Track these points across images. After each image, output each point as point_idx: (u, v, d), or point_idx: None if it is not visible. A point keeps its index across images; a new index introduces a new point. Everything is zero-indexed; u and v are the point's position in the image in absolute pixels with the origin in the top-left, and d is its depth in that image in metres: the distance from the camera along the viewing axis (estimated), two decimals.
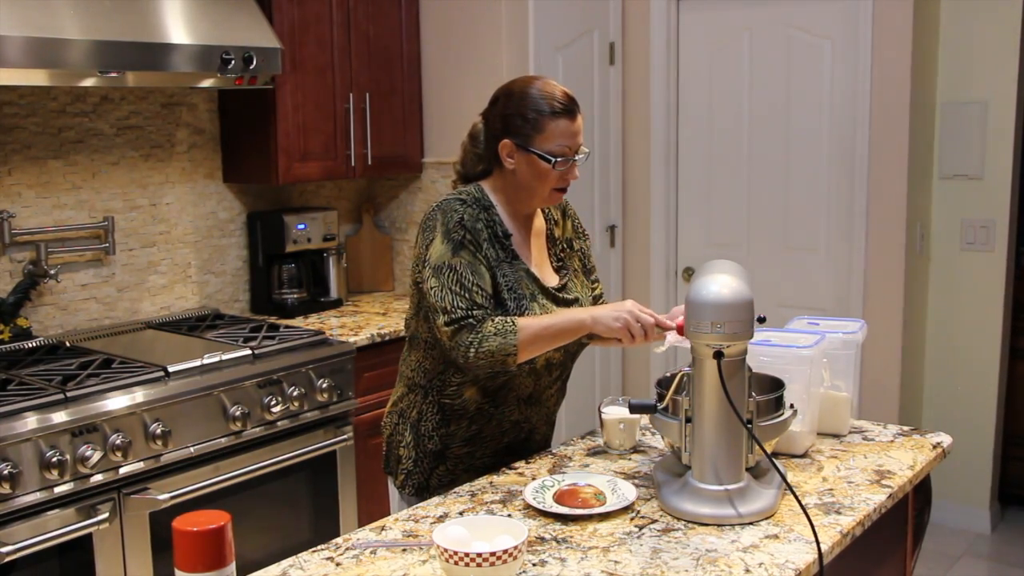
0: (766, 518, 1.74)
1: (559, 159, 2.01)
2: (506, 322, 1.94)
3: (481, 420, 2.09)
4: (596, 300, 2.27)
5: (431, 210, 2.05)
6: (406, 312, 2.17)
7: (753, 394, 1.79)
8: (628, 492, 1.83)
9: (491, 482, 1.96)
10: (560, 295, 2.13)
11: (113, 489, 2.55)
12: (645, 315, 1.94)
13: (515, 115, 2.02)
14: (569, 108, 2.02)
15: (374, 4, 3.70)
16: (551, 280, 2.15)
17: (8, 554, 2.31)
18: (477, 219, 2.02)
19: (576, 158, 2.05)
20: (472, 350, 1.91)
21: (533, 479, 1.94)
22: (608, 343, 2.09)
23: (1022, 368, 4.21)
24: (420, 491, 2.14)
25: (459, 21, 3.80)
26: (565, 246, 2.23)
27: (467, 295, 1.94)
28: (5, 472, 2.31)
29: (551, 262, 2.19)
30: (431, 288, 1.97)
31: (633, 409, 1.88)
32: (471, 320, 1.93)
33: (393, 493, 2.23)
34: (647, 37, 4.20)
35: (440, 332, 1.96)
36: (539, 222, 2.20)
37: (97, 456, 2.47)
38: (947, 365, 4.08)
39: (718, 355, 1.70)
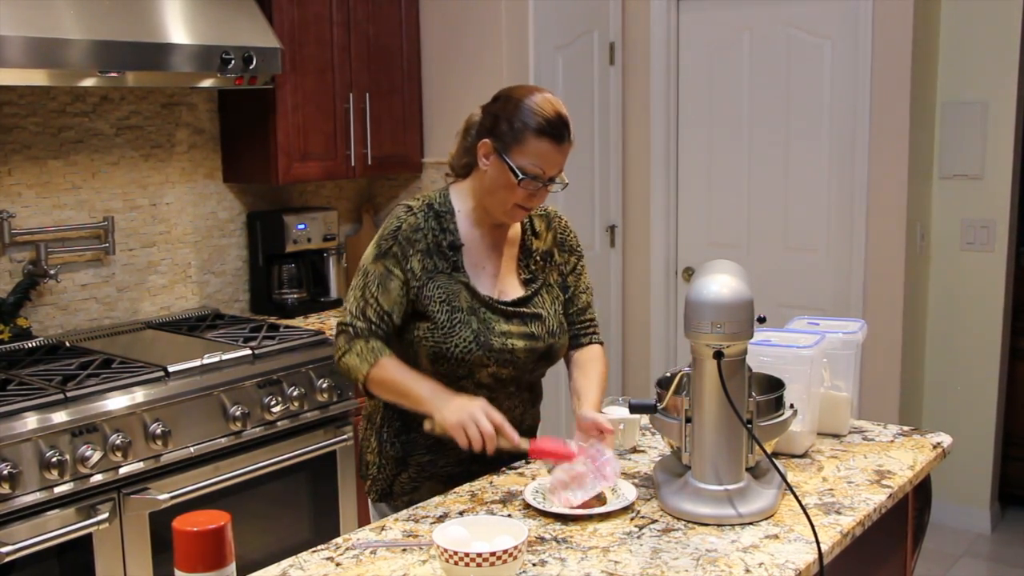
0: (766, 518, 1.74)
1: (526, 178, 1.94)
2: (374, 351, 1.96)
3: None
4: (583, 311, 2.18)
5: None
6: None
7: (753, 394, 1.79)
8: (628, 492, 1.83)
9: (491, 482, 1.96)
10: (514, 309, 2.05)
11: (113, 489, 2.55)
12: (488, 423, 1.82)
13: (503, 119, 1.97)
14: (556, 132, 1.94)
15: (374, 4, 3.70)
16: (512, 292, 2.07)
17: (8, 554, 2.31)
18: (417, 229, 2.01)
19: (550, 185, 1.99)
20: (338, 353, 2.01)
21: (533, 479, 1.94)
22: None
23: (1022, 368, 4.21)
24: (383, 497, 2.12)
25: (459, 21, 3.80)
26: (540, 259, 2.13)
27: (362, 303, 1.99)
28: (5, 472, 2.31)
29: (519, 273, 2.11)
30: (351, 285, 2.05)
31: (633, 409, 1.88)
32: (350, 329, 1.99)
33: None
34: (647, 37, 4.20)
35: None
36: (514, 230, 2.13)
37: (97, 456, 2.47)
38: (947, 365, 4.08)
39: (718, 355, 1.70)
